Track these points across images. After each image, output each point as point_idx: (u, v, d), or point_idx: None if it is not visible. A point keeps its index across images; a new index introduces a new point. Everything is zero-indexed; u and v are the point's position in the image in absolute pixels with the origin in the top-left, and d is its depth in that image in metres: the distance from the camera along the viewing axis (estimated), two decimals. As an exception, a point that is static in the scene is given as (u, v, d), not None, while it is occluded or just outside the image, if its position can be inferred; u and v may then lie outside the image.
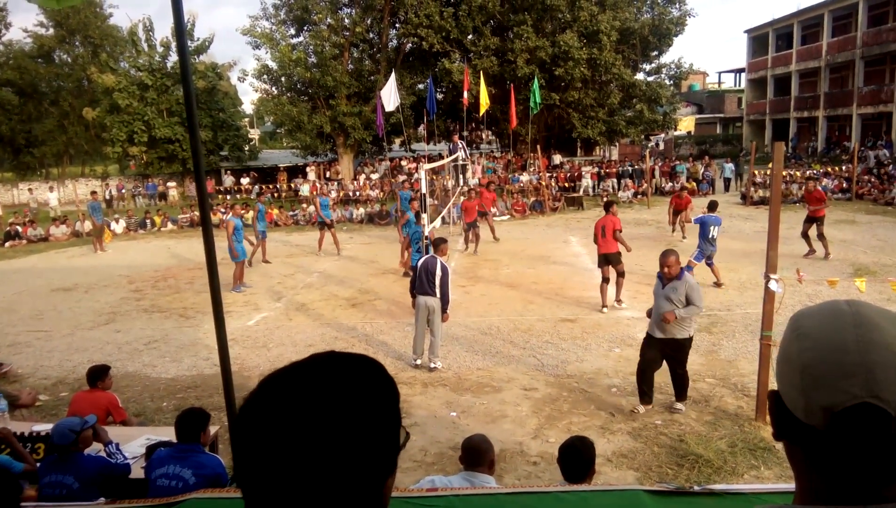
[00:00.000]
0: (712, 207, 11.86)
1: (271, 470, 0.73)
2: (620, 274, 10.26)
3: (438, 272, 7.71)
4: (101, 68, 32.39)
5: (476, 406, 6.78)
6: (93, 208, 18.96)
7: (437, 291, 7.72)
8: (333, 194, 26.19)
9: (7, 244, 20.54)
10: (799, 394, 0.85)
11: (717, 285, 11.25)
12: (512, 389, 7.19)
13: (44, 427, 4.72)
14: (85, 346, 9.48)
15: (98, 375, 5.63)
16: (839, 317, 0.86)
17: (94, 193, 21.40)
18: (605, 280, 10.16)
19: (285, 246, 18.20)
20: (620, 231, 10.23)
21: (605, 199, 14.59)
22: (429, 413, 6.63)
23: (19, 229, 21.44)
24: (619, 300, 10.30)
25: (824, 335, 0.85)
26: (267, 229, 15.80)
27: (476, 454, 3.63)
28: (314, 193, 27.55)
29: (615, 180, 27.32)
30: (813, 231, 13.31)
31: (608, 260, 10.18)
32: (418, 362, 7.96)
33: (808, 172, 23.47)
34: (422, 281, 7.77)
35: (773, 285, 5.20)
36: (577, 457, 3.40)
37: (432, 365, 7.93)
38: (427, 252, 9.06)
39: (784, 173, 24.57)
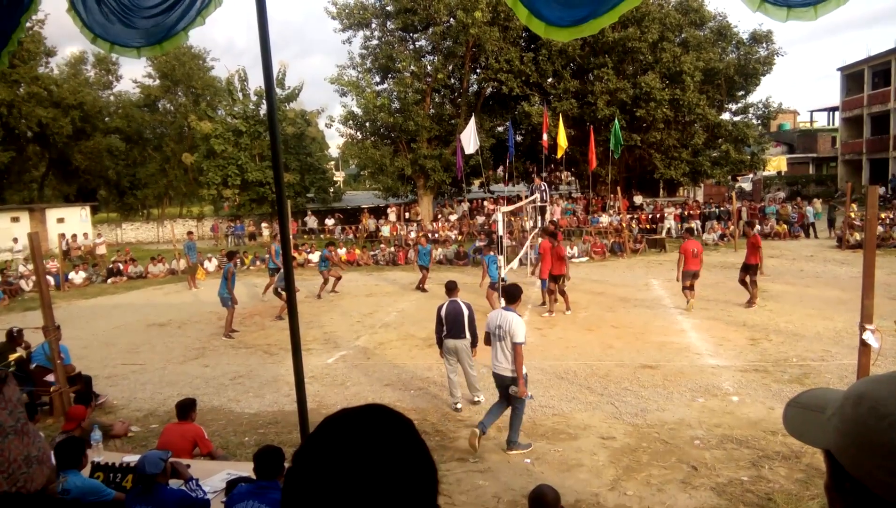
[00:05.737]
0: None
1: None
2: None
3: (465, 313, 7.83)
4: (200, 116, 34.54)
5: (551, 454, 6.63)
6: (188, 248, 20.05)
7: (468, 332, 7.83)
8: (413, 236, 26.63)
9: (109, 281, 21.95)
10: None
11: None
12: (588, 437, 7.00)
13: (133, 458, 4.94)
14: (175, 380, 9.94)
15: (186, 408, 5.91)
16: None
17: (189, 233, 22.73)
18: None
19: (365, 285, 18.61)
20: None
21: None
22: (502, 459, 6.54)
23: (121, 266, 22.90)
24: None
25: None
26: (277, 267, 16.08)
27: (544, 506, 3.56)
28: (408, 237, 28.10)
29: (699, 222, 26.55)
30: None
31: None
32: (459, 405, 7.96)
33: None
34: (452, 326, 7.84)
35: (867, 337, 4.87)
36: (542, 504, 3.41)
37: (476, 398, 8.06)
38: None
39: (883, 215, 23.20)
